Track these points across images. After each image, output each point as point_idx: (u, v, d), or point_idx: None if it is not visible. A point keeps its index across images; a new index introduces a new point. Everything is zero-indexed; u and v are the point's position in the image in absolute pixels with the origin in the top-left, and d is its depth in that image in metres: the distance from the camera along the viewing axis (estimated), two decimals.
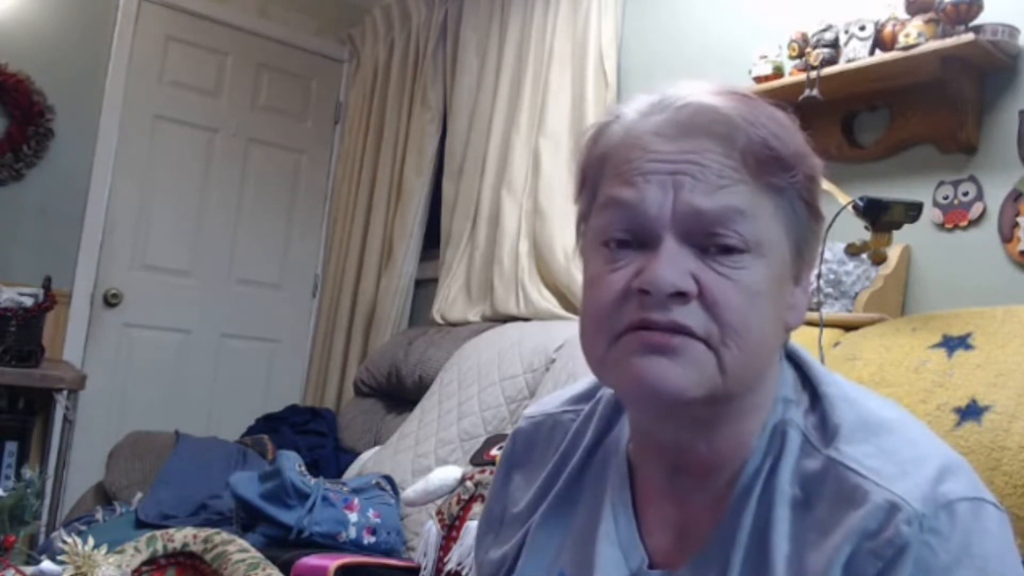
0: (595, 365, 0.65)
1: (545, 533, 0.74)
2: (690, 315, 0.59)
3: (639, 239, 0.62)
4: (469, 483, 1.72)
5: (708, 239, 0.60)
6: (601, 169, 0.66)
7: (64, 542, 1.15)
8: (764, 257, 0.61)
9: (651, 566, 0.68)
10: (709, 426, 0.64)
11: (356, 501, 1.87)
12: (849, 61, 1.80)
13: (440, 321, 2.85)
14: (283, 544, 1.74)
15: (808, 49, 1.87)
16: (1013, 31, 1.66)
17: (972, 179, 1.73)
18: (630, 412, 0.72)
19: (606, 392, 0.77)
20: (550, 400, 0.83)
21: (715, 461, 0.66)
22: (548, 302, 2.48)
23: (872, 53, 1.78)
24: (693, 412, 0.62)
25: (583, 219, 0.68)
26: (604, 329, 0.62)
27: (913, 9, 1.72)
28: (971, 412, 1.18)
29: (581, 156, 0.69)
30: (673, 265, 0.59)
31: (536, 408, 0.83)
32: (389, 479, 2.00)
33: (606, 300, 0.62)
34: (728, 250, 0.60)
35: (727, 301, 0.60)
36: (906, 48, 1.69)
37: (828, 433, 0.63)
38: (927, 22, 1.69)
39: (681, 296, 0.59)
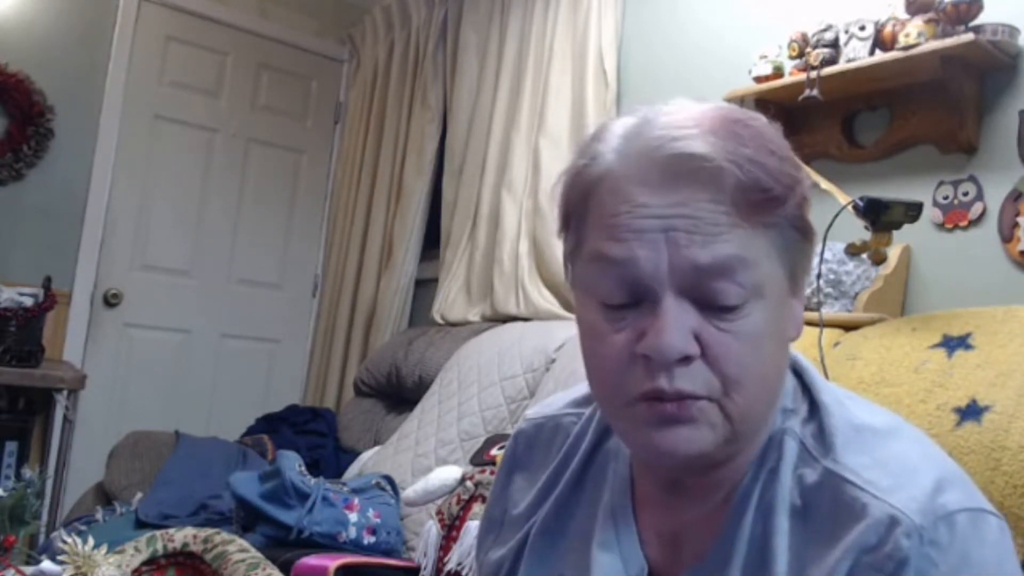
0: (611, 421, 0.66)
1: (546, 537, 0.74)
2: (694, 378, 0.59)
3: (636, 297, 0.60)
4: (469, 483, 1.72)
5: (708, 297, 0.59)
6: (584, 212, 0.63)
7: (64, 542, 1.15)
8: (764, 298, 0.60)
9: (650, 574, 0.68)
10: (717, 461, 0.64)
11: (356, 501, 1.87)
12: (849, 61, 1.80)
13: (440, 321, 2.85)
14: (283, 544, 1.74)
15: (808, 49, 1.87)
16: (1013, 31, 1.66)
17: (972, 179, 1.73)
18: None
19: None
20: (552, 402, 0.83)
21: (717, 484, 0.66)
22: (548, 302, 2.48)
23: (872, 53, 1.78)
24: (707, 460, 0.63)
25: (569, 258, 0.67)
26: (615, 394, 0.62)
27: (913, 9, 1.72)
28: (971, 412, 1.18)
29: (560, 199, 0.66)
30: (676, 329, 0.58)
31: (538, 410, 0.83)
32: (389, 479, 2.00)
33: (612, 365, 0.61)
34: (729, 309, 0.59)
35: (728, 356, 0.59)
36: (906, 48, 1.69)
37: (826, 443, 0.63)
38: (927, 22, 1.69)
39: (686, 359, 0.59)
